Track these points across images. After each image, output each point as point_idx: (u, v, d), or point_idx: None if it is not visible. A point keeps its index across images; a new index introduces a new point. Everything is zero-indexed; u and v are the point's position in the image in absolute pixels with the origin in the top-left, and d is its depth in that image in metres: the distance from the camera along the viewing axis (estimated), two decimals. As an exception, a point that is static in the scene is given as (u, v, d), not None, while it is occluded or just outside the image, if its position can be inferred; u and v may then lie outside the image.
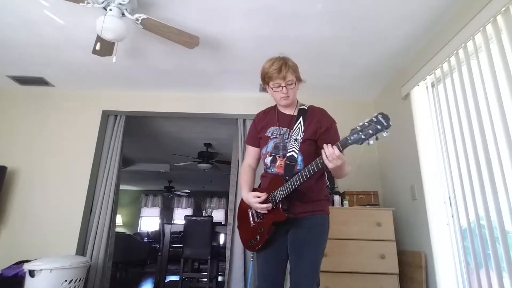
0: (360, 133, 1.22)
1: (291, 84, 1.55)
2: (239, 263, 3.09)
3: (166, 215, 10.75)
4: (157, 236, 8.57)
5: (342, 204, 2.75)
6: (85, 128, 3.43)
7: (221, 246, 5.42)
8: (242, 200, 1.66)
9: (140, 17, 2.07)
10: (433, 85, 2.47)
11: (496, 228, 1.72)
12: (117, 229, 4.22)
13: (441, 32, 2.32)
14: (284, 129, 1.60)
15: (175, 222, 10.58)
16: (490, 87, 1.80)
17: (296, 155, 1.52)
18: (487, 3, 1.79)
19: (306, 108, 1.65)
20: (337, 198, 2.76)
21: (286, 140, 1.57)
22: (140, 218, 10.69)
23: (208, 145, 5.69)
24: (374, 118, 1.20)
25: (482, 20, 1.83)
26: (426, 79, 2.44)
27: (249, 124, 1.80)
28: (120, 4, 2.00)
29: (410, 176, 2.67)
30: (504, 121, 1.69)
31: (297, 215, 1.49)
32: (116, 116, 3.64)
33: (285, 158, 1.53)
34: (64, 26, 2.44)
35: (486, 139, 1.82)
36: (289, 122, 1.61)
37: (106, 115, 3.59)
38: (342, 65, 2.91)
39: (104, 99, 3.54)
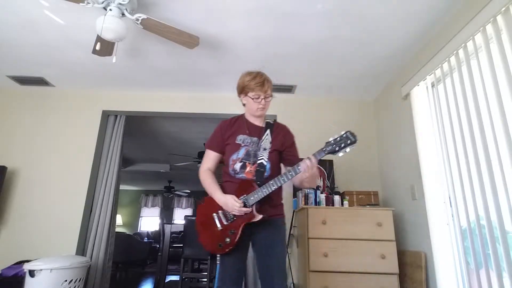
0: (334, 145, 1.49)
1: (268, 97, 1.72)
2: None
3: (166, 215, 10.74)
4: (157, 236, 8.56)
5: (342, 204, 2.75)
6: (85, 128, 3.43)
7: (221, 246, 5.40)
8: (202, 206, 1.72)
9: (140, 17, 2.06)
10: (433, 85, 2.47)
11: (496, 228, 1.72)
12: (117, 229, 4.22)
13: (441, 32, 2.33)
14: (255, 138, 1.73)
15: (175, 222, 10.58)
16: (490, 87, 1.80)
17: (265, 163, 1.67)
18: (487, 3, 1.80)
19: (272, 122, 1.83)
20: (337, 198, 2.76)
21: (256, 149, 1.71)
22: (140, 218, 10.68)
23: (208, 145, 5.68)
24: (344, 135, 1.49)
25: (482, 20, 1.83)
26: (426, 79, 2.44)
27: (237, 115, 1.89)
28: (120, 4, 2.00)
29: (410, 176, 2.67)
30: (504, 121, 1.69)
31: (269, 217, 1.63)
32: (116, 116, 3.64)
33: (255, 165, 1.66)
34: (64, 26, 2.44)
35: (486, 139, 1.82)
36: (259, 132, 1.76)
37: (106, 115, 3.59)
38: (342, 65, 2.91)
39: (104, 99, 3.54)
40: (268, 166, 1.67)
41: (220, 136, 1.79)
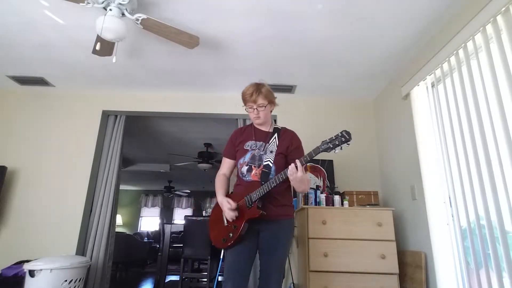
0: (329, 143, 1.58)
1: (261, 106, 1.82)
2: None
3: (166, 215, 10.74)
4: (157, 236, 8.57)
5: (342, 204, 2.74)
6: (85, 128, 3.43)
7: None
8: (215, 206, 1.91)
9: (140, 17, 2.07)
10: (433, 85, 2.47)
11: (496, 228, 1.72)
12: (117, 229, 4.22)
13: (441, 32, 2.33)
14: (260, 142, 1.86)
15: (175, 222, 10.58)
16: (490, 87, 1.80)
17: (271, 165, 1.78)
18: (487, 3, 1.79)
19: (280, 128, 1.94)
20: (337, 198, 2.76)
21: (261, 152, 1.83)
22: (140, 218, 10.69)
23: (208, 145, 5.69)
24: (339, 134, 1.57)
25: (482, 20, 1.83)
26: (426, 79, 2.44)
27: (249, 124, 2.01)
28: (120, 4, 2.00)
29: (410, 176, 2.67)
30: (504, 121, 1.69)
31: (271, 217, 1.72)
32: (116, 116, 3.64)
33: (261, 167, 1.78)
34: (64, 26, 2.44)
35: (486, 139, 1.82)
36: (265, 137, 1.88)
37: (106, 115, 3.59)
38: (342, 65, 2.91)
39: (104, 99, 3.54)
40: (273, 168, 1.77)
41: (232, 144, 1.95)
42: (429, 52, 2.44)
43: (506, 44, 1.70)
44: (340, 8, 2.17)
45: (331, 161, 3.22)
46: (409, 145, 2.66)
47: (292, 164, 1.58)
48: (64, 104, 3.51)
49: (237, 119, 3.59)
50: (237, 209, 1.73)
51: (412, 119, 2.60)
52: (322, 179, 3.15)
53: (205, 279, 3.76)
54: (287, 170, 1.62)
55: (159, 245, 5.73)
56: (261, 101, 1.81)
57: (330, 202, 2.78)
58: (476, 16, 1.88)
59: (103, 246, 3.17)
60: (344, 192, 2.94)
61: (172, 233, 4.18)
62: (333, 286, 2.38)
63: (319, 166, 3.20)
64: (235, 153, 1.92)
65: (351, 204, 2.81)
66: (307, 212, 2.56)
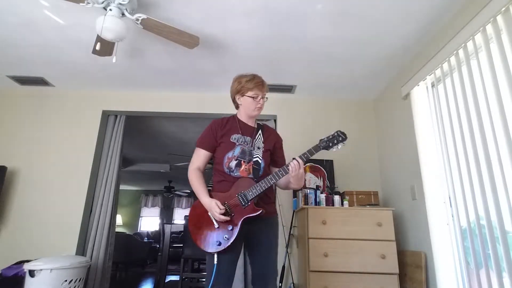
0: (328, 142, 1.67)
1: (265, 97, 1.82)
2: (239, 263, 3.08)
3: (166, 215, 10.74)
4: (157, 236, 8.56)
5: (342, 204, 2.75)
6: (85, 128, 3.43)
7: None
8: (196, 206, 1.71)
9: (140, 17, 2.06)
10: (433, 85, 2.47)
11: (496, 228, 1.72)
12: (117, 229, 4.22)
13: (441, 32, 2.33)
14: (248, 138, 1.79)
15: (175, 222, 10.57)
16: (490, 87, 1.80)
17: (260, 161, 1.74)
18: (487, 3, 1.80)
19: (262, 124, 1.91)
20: (337, 198, 2.76)
21: (250, 148, 1.76)
22: (140, 218, 10.68)
23: (208, 145, 5.67)
24: (335, 133, 1.68)
25: (482, 20, 1.83)
26: (426, 79, 2.44)
27: (229, 116, 1.92)
28: (120, 4, 2.00)
29: (410, 176, 2.67)
30: (504, 121, 1.69)
31: (263, 215, 1.64)
32: (116, 116, 3.64)
33: (251, 163, 1.72)
34: (64, 26, 2.43)
35: (486, 139, 1.82)
36: (251, 132, 1.82)
37: (106, 115, 3.59)
38: (342, 65, 2.91)
39: (104, 99, 3.54)
40: (262, 164, 1.74)
41: (213, 135, 1.80)
42: (429, 52, 2.44)
43: (506, 44, 1.70)
44: (340, 8, 2.17)
45: (331, 161, 3.22)
46: (409, 145, 2.66)
47: (294, 161, 1.58)
48: (64, 104, 3.51)
49: (237, 119, 3.58)
50: (229, 210, 1.61)
51: (412, 119, 2.60)
52: (322, 179, 3.15)
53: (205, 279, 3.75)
54: (286, 167, 1.61)
55: (159, 245, 5.74)
56: (266, 92, 1.82)
57: (330, 202, 2.78)
58: (476, 16, 1.88)
59: (103, 246, 3.17)
60: (344, 192, 2.94)
61: (172, 233, 4.18)
62: (333, 286, 2.38)
63: (319, 166, 3.20)
64: (217, 145, 1.78)
65: (351, 204, 2.81)
66: (307, 212, 2.56)
